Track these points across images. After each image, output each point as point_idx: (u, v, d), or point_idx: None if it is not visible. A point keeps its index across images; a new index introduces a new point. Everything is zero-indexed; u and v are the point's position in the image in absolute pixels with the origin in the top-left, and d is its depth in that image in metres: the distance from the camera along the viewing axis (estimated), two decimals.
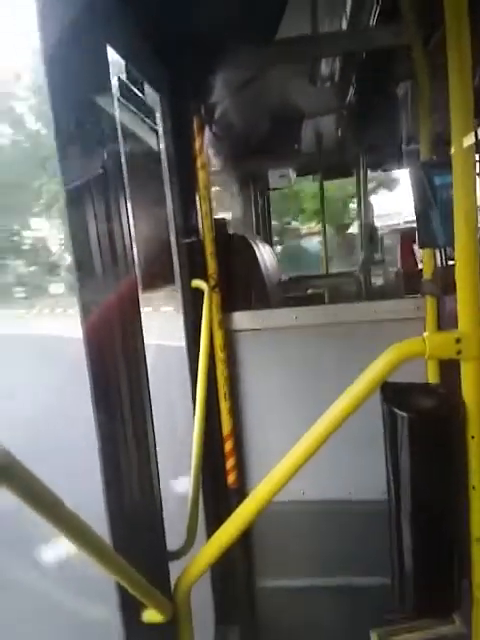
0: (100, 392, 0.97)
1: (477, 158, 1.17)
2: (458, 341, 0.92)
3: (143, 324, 1.13)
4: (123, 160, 1.18)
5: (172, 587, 1.07)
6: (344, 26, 2.21)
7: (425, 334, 0.94)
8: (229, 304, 2.04)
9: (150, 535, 1.06)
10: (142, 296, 1.22)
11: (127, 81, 1.36)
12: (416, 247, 4.07)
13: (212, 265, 1.91)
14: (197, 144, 1.81)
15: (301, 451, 0.97)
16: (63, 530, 0.62)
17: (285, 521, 2.05)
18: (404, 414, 0.97)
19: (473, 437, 0.94)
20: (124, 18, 1.26)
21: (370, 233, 4.17)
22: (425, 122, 1.93)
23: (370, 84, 2.88)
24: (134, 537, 0.98)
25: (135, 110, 1.45)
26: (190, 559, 1.08)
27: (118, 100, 1.26)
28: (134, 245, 1.15)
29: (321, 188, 4.88)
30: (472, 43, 0.90)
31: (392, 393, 1.02)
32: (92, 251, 1.01)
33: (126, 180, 1.17)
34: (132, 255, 1.12)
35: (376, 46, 2.14)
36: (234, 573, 2.07)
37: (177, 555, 1.21)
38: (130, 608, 0.95)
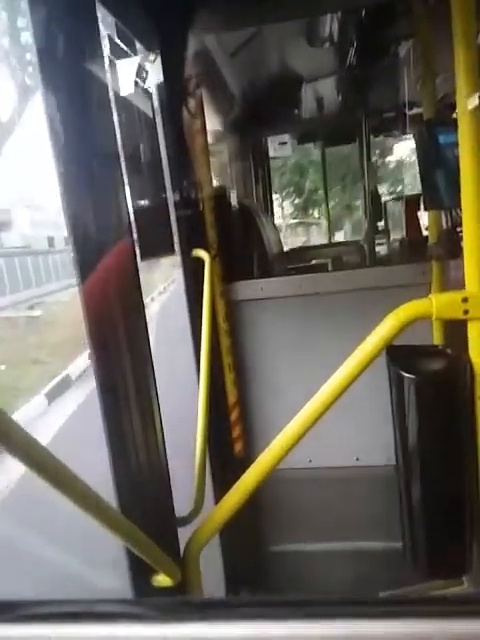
0: (101, 360, 0.96)
1: None
2: (465, 301, 0.91)
3: None
4: (116, 124, 1.15)
5: (181, 553, 1.08)
6: None
7: (432, 295, 0.93)
8: (231, 274, 2.01)
9: (157, 500, 1.06)
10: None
11: (118, 40, 1.31)
12: (420, 214, 4.01)
13: (212, 234, 1.87)
14: (193, 107, 1.76)
15: (306, 417, 0.97)
16: (63, 491, 0.62)
17: (293, 488, 2.07)
18: (411, 376, 0.96)
19: None
20: None
21: (373, 201, 4.11)
22: (427, 82, 1.88)
23: (370, 44, 2.78)
24: (141, 502, 0.99)
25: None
26: (197, 525, 1.09)
27: (108, 60, 1.21)
28: (131, 213, 1.13)
29: (323, 155, 4.79)
30: None
31: (399, 356, 1.01)
32: (87, 219, 0.98)
33: (120, 145, 1.14)
34: (129, 223, 1.09)
35: (375, 0, 2.06)
36: (244, 539, 2.10)
37: (185, 521, 1.22)
38: (140, 572, 0.96)
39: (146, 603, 0.51)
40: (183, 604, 0.54)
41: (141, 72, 1.51)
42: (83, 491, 0.67)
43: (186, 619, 0.48)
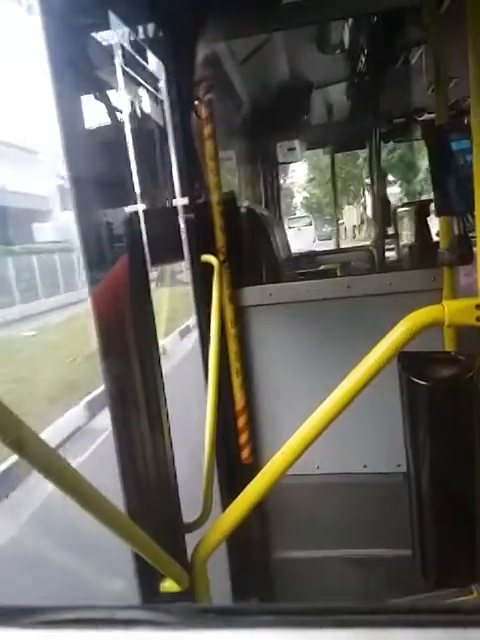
0: (111, 365, 0.96)
1: None
2: (478, 307, 0.90)
3: None
4: (128, 131, 1.15)
5: (189, 559, 1.08)
6: None
7: (444, 301, 0.92)
8: (240, 279, 2.01)
9: (165, 506, 1.06)
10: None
11: (130, 48, 1.32)
12: (430, 220, 3.99)
13: (221, 239, 1.87)
14: (203, 114, 1.76)
15: (315, 424, 0.96)
16: (74, 496, 0.62)
17: (300, 494, 2.06)
18: (423, 383, 0.95)
19: None
20: None
21: (383, 206, 4.10)
22: (440, 87, 1.87)
23: (381, 51, 2.78)
24: (149, 508, 0.99)
25: (139, 79, 1.41)
26: (205, 531, 1.09)
27: (121, 68, 1.22)
28: (142, 219, 1.13)
29: (332, 161, 4.79)
30: None
31: (409, 362, 1.00)
32: (98, 226, 0.99)
33: (131, 152, 1.14)
34: (140, 229, 1.10)
35: (385, 7, 2.06)
36: (250, 546, 2.09)
37: (192, 527, 1.21)
38: (147, 578, 0.95)
39: (166, 609, 0.51)
40: (204, 610, 0.54)
41: (152, 79, 1.52)
42: (92, 496, 0.67)
43: (208, 626, 0.48)
